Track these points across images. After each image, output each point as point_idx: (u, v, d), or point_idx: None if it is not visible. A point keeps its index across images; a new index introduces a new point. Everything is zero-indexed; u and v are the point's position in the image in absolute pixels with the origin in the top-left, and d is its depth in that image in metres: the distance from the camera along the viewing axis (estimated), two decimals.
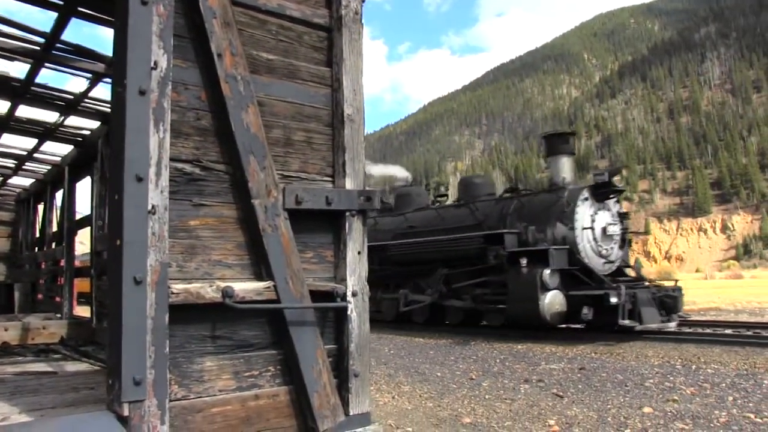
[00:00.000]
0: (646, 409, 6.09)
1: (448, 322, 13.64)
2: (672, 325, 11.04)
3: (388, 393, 7.61)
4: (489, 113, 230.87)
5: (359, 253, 2.66)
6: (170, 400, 2.05)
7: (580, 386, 7.31)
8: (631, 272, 12.55)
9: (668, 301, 10.99)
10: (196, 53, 2.34)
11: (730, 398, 6.39)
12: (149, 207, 2.04)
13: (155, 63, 2.12)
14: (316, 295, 2.49)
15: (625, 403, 6.40)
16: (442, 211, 14.35)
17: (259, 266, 2.38)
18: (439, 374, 8.60)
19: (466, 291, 12.64)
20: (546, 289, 10.67)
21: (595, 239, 11.78)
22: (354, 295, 2.60)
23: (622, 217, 12.48)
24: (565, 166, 12.77)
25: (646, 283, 11.74)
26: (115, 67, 2.15)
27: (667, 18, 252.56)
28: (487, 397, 7.09)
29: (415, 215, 14.96)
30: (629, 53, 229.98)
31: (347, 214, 2.62)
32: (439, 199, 15.86)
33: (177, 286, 2.12)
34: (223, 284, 2.24)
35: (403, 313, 13.82)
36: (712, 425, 5.43)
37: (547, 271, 10.78)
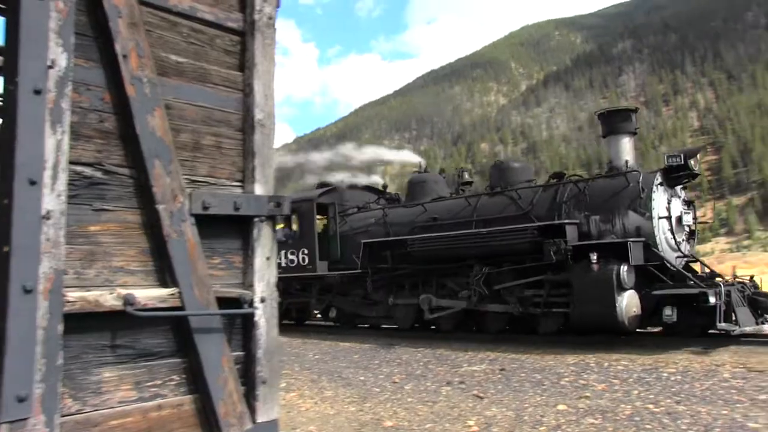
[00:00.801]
0: (561, 407, 6.31)
1: (482, 329, 11.87)
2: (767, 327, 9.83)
3: (311, 398, 7.59)
4: (419, 118, 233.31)
5: (268, 258, 2.63)
6: (62, 415, 1.97)
7: (499, 387, 7.50)
8: (697, 267, 11.03)
9: (763, 300, 9.79)
10: (100, 53, 2.26)
11: (635, 392, 6.70)
12: (43, 212, 1.95)
13: (53, 61, 2.04)
14: (224, 302, 2.44)
15: (542, 402, 6.61)
16: (473, 200, 12.34)
17: (164, 273, 2.32)
18: (362, 378, 8.63)
19: (511, 293, 10.98)
20: (622, 288, 9.28)
21: (670, 230, 10.44)
22: (262, 301, 2.57)
23: (690, 205, 11.32)
24: (627, 147, 11.17)
25: (727, 279, 10.40)
26: (6, 64, 2.05)
27: (589, 32, 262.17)
28: (409, 400, 7.17)
29: (437, 205, 13.00)
30: (554, 63, 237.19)
31: (256, 219, 2.59)
32: (463, 187, 14.00)
33: (73, 294, 2.04)
34: (124, 291, 2.17)
35: (425, 320, 12.29)
36: (617, 418, 5.72)
37: (625, 268, 9.34)
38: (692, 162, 10.65)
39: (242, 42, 2.73)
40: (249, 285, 2.56)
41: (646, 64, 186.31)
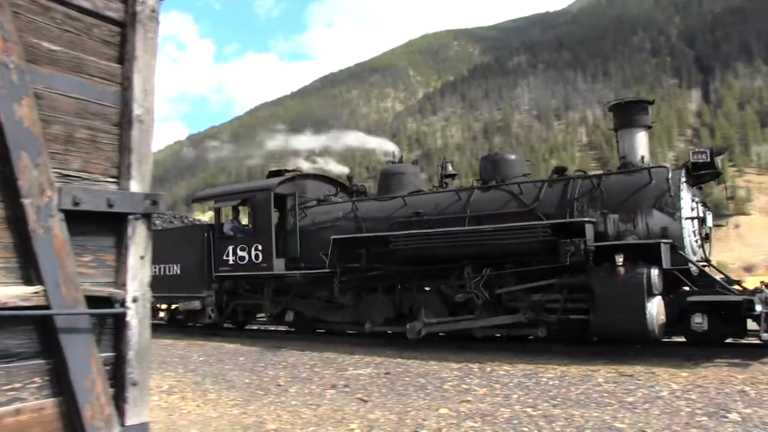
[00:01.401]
0: (443, 410, 6.46)
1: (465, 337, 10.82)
2: None
3: (193, 401, 7.42)
4: (315, 121, 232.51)
5: (142, 257, 2.56)
6: None
7: (384, 390, 7.59)
8: (711, 271, 10.09)
9: None
10: None
11: (515, 396, 6.99)
12: None
13: None
14: (94, 301, 2.35)
15: (425, 405, 6.75)
16: (464, 194, 11.14)
17: (29, 270, 2.21)
18: (247, 381, 8.52)
19: (517, 298, 10.01)
20: (651, 294, 8.54)
21: (694, 231, 9.71)
22: (134, 300, 2.49)
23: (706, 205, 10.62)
24: (643, 142, 10.36)
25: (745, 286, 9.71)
26: None
27: (486, 44, 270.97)
28: (293, 403, 7.14)
29: (420, 199, 11.65)
30: (451, 73, 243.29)
31: (131, 217, 2.51)
32: (446, 180, 12.73)
33: None
34: None
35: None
36: (496, 421, 5.93)
37: (656, 272, 8.60)
38: (718, 160, 9.96)
39: (122, 33, 2.63)
40: (122, 284, 2.48)
41: (541, 78, 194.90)
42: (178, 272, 13.90)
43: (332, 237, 11.67)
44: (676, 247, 9.03)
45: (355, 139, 17.36)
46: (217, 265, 13.29)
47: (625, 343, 9.28)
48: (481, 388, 7.48)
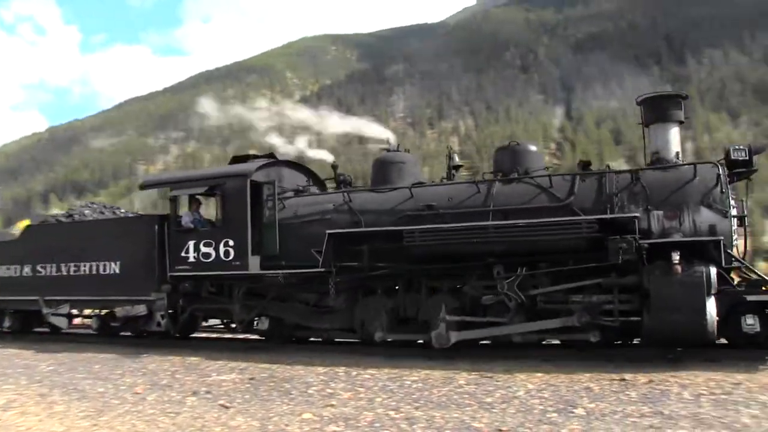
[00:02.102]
0: (307, 415, 6.46)
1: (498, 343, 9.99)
2: None
3: (36, 416, 6.96)
4: (188, 118, 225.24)
5: None
6: None
7: (247, 396, 7.49)
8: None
9: None
10: None
11: (379, 399, 7.08)
12: None
13: None
14: None
15: (288, 411, 6.72)
16: (483, 187, 10.23)
17: None
18: (101, 390, 8.13)
19: (554, 299, 9.32)
20: (709, 294, 8.22)
21: (736, 230, 9.30)
22: None
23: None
24: (676, 137, 9.95)
25: None
26: None
27: (364, 51, 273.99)
28: (150, 411, 6.89)
29: (429, 191, 10.65)
30: (328, 77, 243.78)
31: None
32: (453, 171, 11.67)
33: None
34: None
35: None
36: (359, 425, 6.02)
37: (714, 270, 8.30)
38: (755, 158, 9.65)
39: None
40: None
41: (417, 87, 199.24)
42: (117, 271, 12.02)
43: (327, 231, 10.24)
44: (725, 246, 8.65)
45: (354, 125, 14.78)
46: (173, 263, 11.45)
47: (681, 346, 8.91)
48: (346, 392, 7.56)
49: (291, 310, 11.12)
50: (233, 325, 12.14)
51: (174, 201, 11.90)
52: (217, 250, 11.10)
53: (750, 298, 8.53)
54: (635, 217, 8.88)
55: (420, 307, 10.09)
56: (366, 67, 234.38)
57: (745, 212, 9.68)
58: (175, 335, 12.41)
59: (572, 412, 6.19)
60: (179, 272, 11.49)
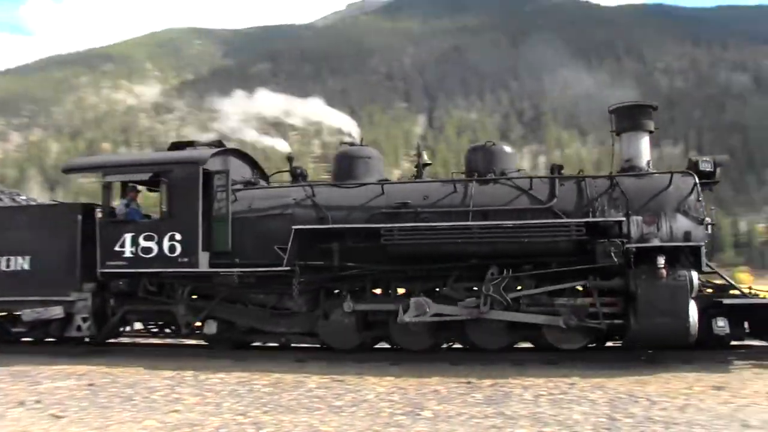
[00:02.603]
0: (149, 422, 6.18)
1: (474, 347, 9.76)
2: None
3: None
4: (33, 105, 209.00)
5: None
6: None
7: (84, 404, 7.06)
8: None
9: None
10: None
11: (227, 404, 6.89)
12: None
13: None
14: None
15: (129, 418, 6.39)
16: (461, 186, 9.94)
17: None
18: None
19: (537, 302, 9.22)
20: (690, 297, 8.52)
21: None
22: None
23: None
24: (647, 146, 10.24)
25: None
26: None
27: (229, 47, 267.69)
28: None
29: (404, 188, 10.30)
30: (191, 72, 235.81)
31: None
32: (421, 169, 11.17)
33: None
34: None
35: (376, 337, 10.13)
36: (205, 431, 5.71)
37: (695, 275, 8.61)
38: (718, 171, 10.06)
39: None
40: None
41: (281, 87, 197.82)
42: (26, 267, 10.35)
43: (294, 227, 9.50)
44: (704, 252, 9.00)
45: (316, 111, 13.43)
46: (104, 259, 10.02)
47: (664, 347, 9.07)
48: (192, 397, 7.30)
49: (245, 313, 10.19)
50: (167, 330, 11.06)
51: (108, 188, 10.47)
52: (160, 244, 9.89)
53: (726, 301, 8.92)
54: (621, 221, 9.05)
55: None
56: (230, 64, 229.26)
57: (713, 220, 9.96)
58: (102, 341, 11.02)
59: (419, 415, 6.34)
60: (112, 269, 10.09)
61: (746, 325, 9.10)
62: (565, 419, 6.07)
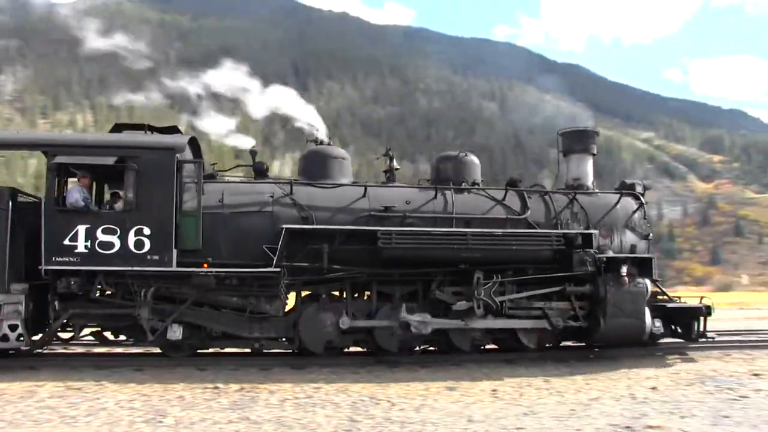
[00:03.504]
0: None
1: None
2: None
3: None
4: None
5: None
6: None
7: None
8: None
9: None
10: None
11: None
12: None
13: None
14: None
15: None
16: (445, 193, 10.23)
17: None
18: None
19: (519, 306, 9.87)
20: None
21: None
22: None
23: None
24: (591, 167, 11.49)
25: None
26: None
27: None
28: None
29: (386, 191, 10.17)
30: None
31: None
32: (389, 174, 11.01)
33: None
34: None
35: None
36: None
37: (649, 282, 9.98)
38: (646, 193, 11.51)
39: None
40: None
41: (30, 70, 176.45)
42: None
43: (285, 227, 9.10)
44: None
45: (282, 99, 12.11)
46: (50, 254, 8.52)
47: (625, 346, 10.30)
48: None
49: (217, 317, 9.33)
50: (118, 338, 9.76)
51: (56, 171, 8.84)
52: (124, 239, 8.68)
53: (670, 305, 10.43)
54: (593, 233, 10.08)
55: (370, 313, 9.71)
56: None
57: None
58: (36, 351, 9.38)
59: (161, 422, 6.21)
60: (60, 266, 8.60)
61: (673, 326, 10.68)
62: (308, 422, 6.26)
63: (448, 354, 9.96)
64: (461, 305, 9.52)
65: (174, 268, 8.81)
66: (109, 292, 9.14)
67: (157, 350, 9.83)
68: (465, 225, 9.97)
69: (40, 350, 9.64)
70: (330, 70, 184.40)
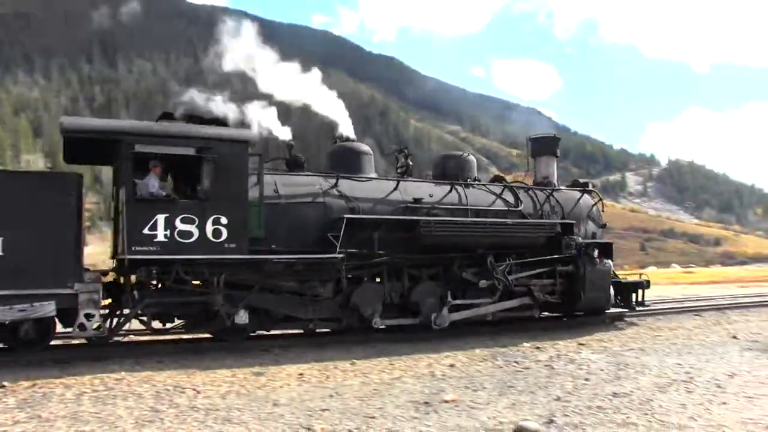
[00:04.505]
0: None
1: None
2: None
3: None
4: None
5: None
6: None
7: None
8: None
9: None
10: None
11: None
12: None
13: None
14: None
15: None
16: (459, 188, 11.76)
17: None
18: None
19: (521, 283, 11.59)
20: None
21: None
22: None
23: None
24: (555, 167, 13.73)
25: None
26: None
27: None
28: None
29: (414, 186, 11.45)
30: None
31: None
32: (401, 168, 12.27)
33: None
34: None
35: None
36: None
37: (611, 263, 12.31)
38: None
39: None
40: None
41: None
42: None
43: (346, 216, 10.02)
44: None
45: (304, 89, 11.55)
46: (131, 242, 8.53)
47: (595, 315, 12.73)
48: None
49: (279, 301, 9.83)
50: (167, 325, 9.69)
51: (136, 160, 8.71)
52: (202, 228, 8.81)
53: (624, 281, 13.27)
54: (573, 222, 12.26)
55: (403, 293, 10.73)
56: None
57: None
58: (110, 340, 9.26)
59: None
60: (142, 254, 8.53)
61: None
62: (107, 416, 5.95)
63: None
64: (483, 283, 10.99)
65: (249, 256, 9.18)
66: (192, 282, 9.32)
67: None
68: (475, 215, 11.47)
69: (117, 338, 9.54)
70: (141, 49, 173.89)
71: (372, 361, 8.89)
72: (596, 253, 12.02)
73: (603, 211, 13.79)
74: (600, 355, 9.40)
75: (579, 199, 13.24)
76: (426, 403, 6.42)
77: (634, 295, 13.07)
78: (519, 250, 11.55)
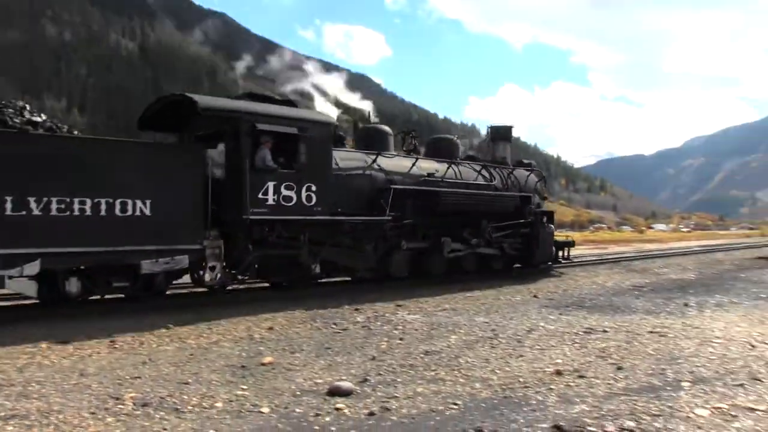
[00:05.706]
0: None
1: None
2: None
3: None
4: None
5: None
6: None
7: None
8: None
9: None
10: None
11: None
12: None
13: None
14: None
15: None
16: (454, 166, 14.68)
17: None
18: None
19: (499, 242, 14.88)
20: None
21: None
22: None
23: None
24: (510, 150, 17.19)
25: None
26: None
27: None
28: None
29: (425, 163, 14.14)
30: None
31: None
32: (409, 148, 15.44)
33: None
34: None
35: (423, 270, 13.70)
36: None
37: (552, 226, 16.47)
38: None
39: None
40: None
41: None
42: (147, 212, 9.34)
43: (392, 186, 12.56)
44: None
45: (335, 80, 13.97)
46: (251, 205, 10.22)
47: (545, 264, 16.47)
48: None
49: (341, 254, 11.94)
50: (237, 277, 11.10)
51: (256, 134, 10.30)
52: (299, 194, 10.64)
53: (558, 240, 17.33)
54: (531, 195, 15.92)
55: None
56: None
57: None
58: (227, 288, 11.18)
59: None
60: (258, 215, 10.18)
61: None
62: None
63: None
64: (475, 242, 14.31)
65: (332, 217, 11.25)
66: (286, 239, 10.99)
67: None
68: (466, 188, 14.41)
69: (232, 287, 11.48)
70: None
71: (189, 326, 8.57)
72: (545, 219, 16.02)
73: (546, 186, 18.03)
74: (415, 315, 9.71)
75: (528, 176, 16.88)
76: (243, 366, 6.26)
77: (560, 252, 17.21)
78: (497, 215, 14.78)
